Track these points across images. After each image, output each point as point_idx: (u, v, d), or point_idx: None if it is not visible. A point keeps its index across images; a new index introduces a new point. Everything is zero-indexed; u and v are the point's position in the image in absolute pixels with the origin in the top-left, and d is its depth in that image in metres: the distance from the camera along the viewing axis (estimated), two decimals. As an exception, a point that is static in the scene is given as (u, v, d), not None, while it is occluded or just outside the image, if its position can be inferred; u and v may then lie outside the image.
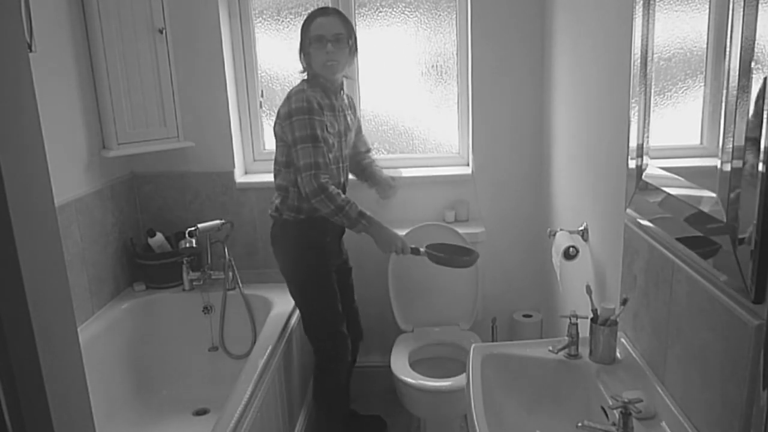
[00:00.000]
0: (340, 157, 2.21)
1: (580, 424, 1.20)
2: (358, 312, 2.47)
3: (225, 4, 2.63)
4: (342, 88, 2.24)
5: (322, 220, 2.14)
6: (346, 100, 2.29)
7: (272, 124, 2.20)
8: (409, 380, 2.23)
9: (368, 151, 2.48)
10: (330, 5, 2.59)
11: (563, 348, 1.54)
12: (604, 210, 1.75)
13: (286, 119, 2.08)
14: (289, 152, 2.11)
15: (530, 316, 2.69)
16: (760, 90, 0.87)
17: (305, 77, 2.18)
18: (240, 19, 2.69)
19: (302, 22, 2.15)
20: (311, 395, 2.54)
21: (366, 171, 2.42)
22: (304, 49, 2.15)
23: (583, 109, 1.98)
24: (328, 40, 2.08)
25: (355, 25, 2.57)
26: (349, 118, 2.27)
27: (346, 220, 2.08)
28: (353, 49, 2.19)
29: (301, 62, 2.17)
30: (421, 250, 2.24)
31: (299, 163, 2.05)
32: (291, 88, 2.17)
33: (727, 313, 1.00)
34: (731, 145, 0.94)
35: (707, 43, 1.08)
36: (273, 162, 2.22)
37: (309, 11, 2.18)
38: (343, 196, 2.08)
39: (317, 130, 2.06)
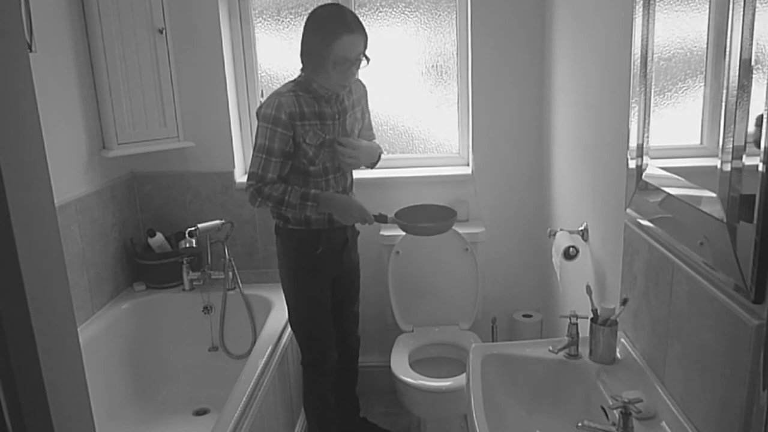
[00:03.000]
0: (330, 168, 2.05)
1: (580, 424, 1.20)
2: (357, 319, 2.38)
3: (225, 4, 2.63)
4: (337, 95, 2.01)
5: (315, 232, 2.07)
6: (350, 100, 2.08)
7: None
8: (409, 380, 2.23)
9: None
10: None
11: (563, 348, 1.54)
12: (604, 210, 1.74)
13: (257, 120, 1.99)
14: None
15: (530, 316, 2.69)
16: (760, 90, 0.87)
17: (299, 77, 2.00)
18: (240, 19, 2.68)
19: (321, 31, 1.88)
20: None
21: None
22: (319, 66, 1.90)
23: (583, 109, 1.97)
24: (352, 63, 1.89)
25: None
26: (348, 122, 2.07)
27: (293, 210, 1.97)
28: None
29: (302, 62, 1.96)
30: (389, 217, 2.08)
31: (249, 170, 1.97)
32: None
33: (727, 313, 1.00)
34: (731, 145, 0.94)
35: (707, 43, 1.08)
36: None
37: (311, 10, 1.95)
38: (281, 188, 1.95)
39: (275, 143, 1.92)
